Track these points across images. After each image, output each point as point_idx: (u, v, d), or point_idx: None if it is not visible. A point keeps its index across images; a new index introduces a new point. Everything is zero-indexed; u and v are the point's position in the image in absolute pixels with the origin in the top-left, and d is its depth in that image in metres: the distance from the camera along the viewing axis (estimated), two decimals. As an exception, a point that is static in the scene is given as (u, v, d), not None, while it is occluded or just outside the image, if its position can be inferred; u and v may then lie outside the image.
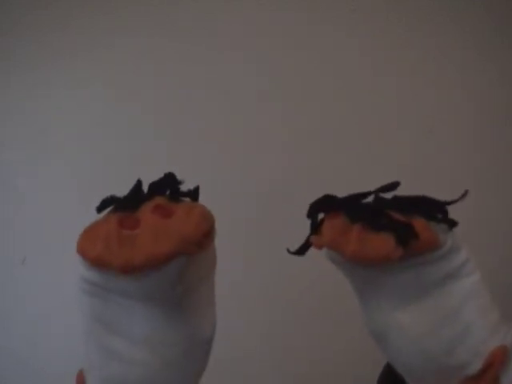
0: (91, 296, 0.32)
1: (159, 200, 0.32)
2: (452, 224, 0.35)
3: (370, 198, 0.35)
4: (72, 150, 0.89)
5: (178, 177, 0.34)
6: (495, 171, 0.82)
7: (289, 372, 0.84)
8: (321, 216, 0.35)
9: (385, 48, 0.85)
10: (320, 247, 0.34)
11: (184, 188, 0.35)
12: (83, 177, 0.88)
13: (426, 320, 0.34)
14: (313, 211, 0.35)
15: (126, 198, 0.33)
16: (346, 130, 0.85)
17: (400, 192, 0.35)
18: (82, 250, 0.30)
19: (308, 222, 0.35)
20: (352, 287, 0.37)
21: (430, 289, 0.34)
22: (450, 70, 0.84)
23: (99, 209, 0.33)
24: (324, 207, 0.34)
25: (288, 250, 0.36)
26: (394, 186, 0.36)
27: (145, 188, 0.35)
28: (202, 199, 0.36)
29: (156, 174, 0.35)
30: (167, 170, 0.35)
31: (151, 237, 0.29)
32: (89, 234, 0.30)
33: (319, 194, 0.35)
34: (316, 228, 0.34)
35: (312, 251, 0.36)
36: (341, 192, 0.36)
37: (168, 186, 0.34)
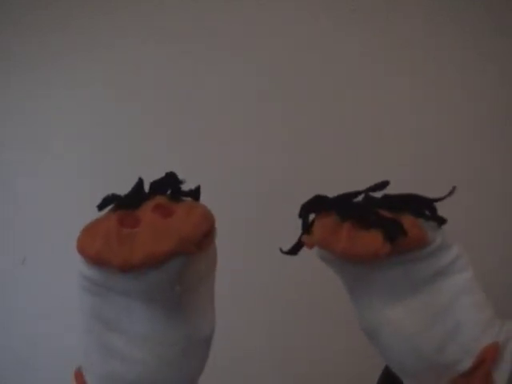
0: (91, 294, 0.32)
1: (160, 199, 0.32)
2: (441, 221, 0.35)
3: (361, 198, 0.36)
4: (72, 150, 0.89)
5: (178, 176, 0.35)
6: (495, 171, 0.82)
7: (289, 372, 0.84)
8: (313, 216, 0.35)
9: (385, 48, 0.85)
10: (311, 246, 0.34)
11: (185, 188, 0.35)
12: (83, 177, 0.88)
13: (417, 317, 0.34)
14: (304, 211, 0.35)
15: (126, 196, 0.33)
16: (346, 130, 0.85)
17: (401, 192, 0.36)
18: (81, 247, 0.30)
19: (307, 223, 0.35)
20: (343, 285, 0.38)
21: (421, 286, 0.34)
22: (450, 69, 0.84)
23: (100, 207, 0.33)
24: (315, 207, 0.35)
25: (281, 250, 0.36)
26: (383, 185, 0.36)
27: (145, 187, 0.35)
28: (201, 199, 0.36)
29: (155, 174, 0.35)
30: (166, 170, 0.35)
31: (151, 235, 0.29)
32: (89, 232, 0.31)
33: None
34: (308, 228, 0.35)
35: (311, 252, 0.36)
36: (341, 192, 0.36)
37: (169, 185, 0.34)
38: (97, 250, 0.29)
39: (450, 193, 0.35)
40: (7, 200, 0.89)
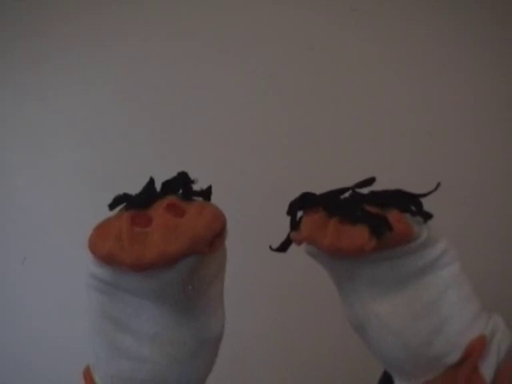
0: (100, 293, 0.32)
1: (172, 199, 0.32)
2: (426, 216, 0.35)
3: (348, 194, 0.36)
4: (72, 150, 0.89)
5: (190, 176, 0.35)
6: (495, 171, 0.82)
7: (289, 372, 0.84)
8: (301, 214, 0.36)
9: (385, 48, 0.85)
10: (299, 242, 0.35)
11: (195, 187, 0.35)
12: (83, 177, 0.88)
13: (404, 311, 0.34)
14: (292, 209, 0.35)
15: (138, 195, 0.33)
16: (346, 130, 0.85)
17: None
18: (93, 246, 0.30)
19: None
20: (332, 280, 0.38)
21: (408, 280, 0.34)
22: (450, 69, 0.84)
23: (111, 206, 0.33)
24: (302, 204, 0.35)
25: (270, 247, 0.37)
26: (370, 181, 0.37)
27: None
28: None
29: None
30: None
31: (163, 235, 0.29)
32: (100, 231, 0.31)
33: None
34: (296, 225, 0.35)
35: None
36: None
37: (181, 184, 0.34)
38: (109, 249, 0.29)
39: (436, 188, 0.36)
40: (7, 200, 0.89)
